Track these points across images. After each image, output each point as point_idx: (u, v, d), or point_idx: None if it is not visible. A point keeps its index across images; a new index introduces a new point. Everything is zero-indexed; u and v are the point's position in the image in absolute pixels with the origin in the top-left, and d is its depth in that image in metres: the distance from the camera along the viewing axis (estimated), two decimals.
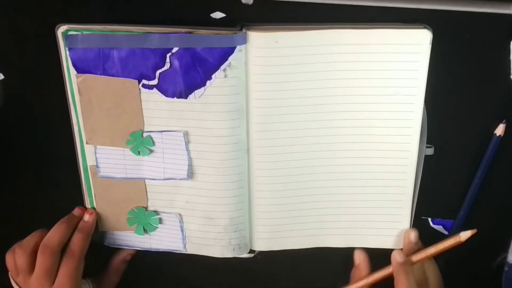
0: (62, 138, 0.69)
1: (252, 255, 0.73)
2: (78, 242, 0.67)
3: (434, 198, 0.70)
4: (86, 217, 0.69)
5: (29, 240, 0.66)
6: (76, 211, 0.70)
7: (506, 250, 0.69)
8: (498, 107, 0.66)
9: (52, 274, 0.65)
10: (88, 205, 0.71)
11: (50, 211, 0.70)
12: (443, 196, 0.71)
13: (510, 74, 0.63)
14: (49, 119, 0.69)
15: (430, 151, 0.67)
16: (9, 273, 0.68)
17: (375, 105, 0.63)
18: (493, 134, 0.66)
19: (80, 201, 0.71)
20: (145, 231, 0.71)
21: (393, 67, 0.61)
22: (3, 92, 0.68)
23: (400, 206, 0.69)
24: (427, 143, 0.66)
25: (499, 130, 0.66)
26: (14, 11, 0.64)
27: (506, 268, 0.69)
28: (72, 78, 0.63)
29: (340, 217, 0.70)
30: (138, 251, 0.74)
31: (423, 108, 0.63)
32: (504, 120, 0.66)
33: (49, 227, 0.68)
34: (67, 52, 0.62)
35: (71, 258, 0.66)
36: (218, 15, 0.63)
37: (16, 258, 0.66)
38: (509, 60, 0.62)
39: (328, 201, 0.69)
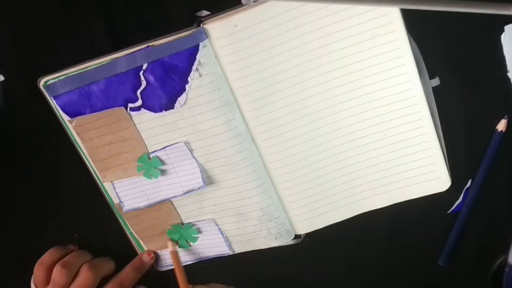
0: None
1: (299, 240, 0.71)
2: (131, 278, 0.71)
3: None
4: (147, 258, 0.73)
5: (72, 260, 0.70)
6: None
7: (506, 251, 0.65)
8: (499, 102, 0.64)
9: None
10: (130, 238, 0.72)
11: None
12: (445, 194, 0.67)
13: (507, 72, 0.62)
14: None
15: (435, 82, 0.62)
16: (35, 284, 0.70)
17: (359, 60, 0.60)
18: (494, 130, 0.65)
19: (119, 229, 0.72)
20: (189, 243, 0.71)
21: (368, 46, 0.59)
22: (3, 93, 0.69)
23: (428, 148, 0.64)
24: None
25: (501, 125, 0.65)
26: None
27: (506, 269, 0.65)
28: (68, 125, 0.65)
29: (372, 177, 0.67)
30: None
31: (409, 41, 0.59)
32: (506, 116, 0.64)
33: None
34: (54, 101, 0.64)
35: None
36: (204, 13, 0.62)
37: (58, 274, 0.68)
38: (503, 56, 0.62)
39: (353, 164, 0.66)
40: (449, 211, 0.69)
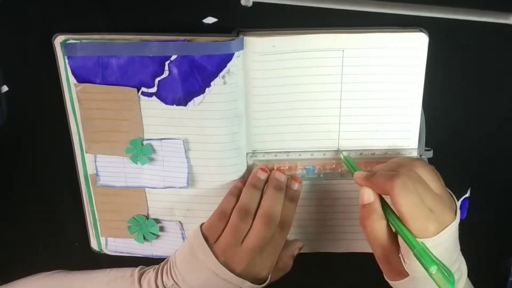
0: (62, 147, 0.68)
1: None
2: (291, 213, 0.64)
3: None
4: (296, 186, 0.65)
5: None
6: (260, 172, 0.65)
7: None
8: (497, 110, 0.66)
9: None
10: (89, 214, 0.71)
11: (50, 218, 0.73)
12: None
13: None
14: (49, 128, 0.69)
15: (429, 154, 0.66)
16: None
17: (372, 109, 0.63)
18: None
19: (79, 209, 0.71)
20: (145, 239, 0.71)
21: (390, 71, 0.61)
22: (6, 104, 0.68)
23: None
24: (426, 146, 0.66)
25: None
26: (15, 21, 0.64)
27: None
28: (71, 87, 0.64)
29: (343, 221, 0.70)
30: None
31: (421, 111, 0.63)
32: None
33: (48, 234, 0.73)
34: (66, 61, 0.62)
35: (286, 229, 0.63)
36: (210, 20, 0.62)
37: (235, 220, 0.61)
38: None
39: (328, 206, 0.69)
40: None
